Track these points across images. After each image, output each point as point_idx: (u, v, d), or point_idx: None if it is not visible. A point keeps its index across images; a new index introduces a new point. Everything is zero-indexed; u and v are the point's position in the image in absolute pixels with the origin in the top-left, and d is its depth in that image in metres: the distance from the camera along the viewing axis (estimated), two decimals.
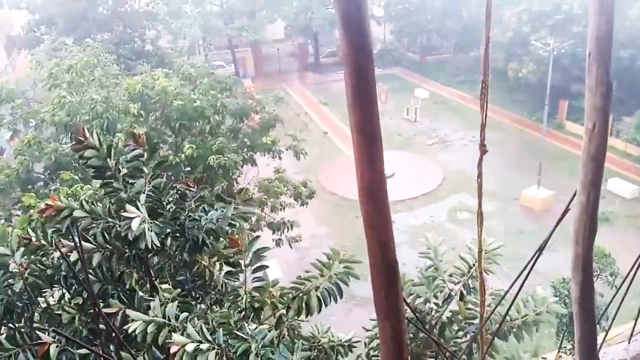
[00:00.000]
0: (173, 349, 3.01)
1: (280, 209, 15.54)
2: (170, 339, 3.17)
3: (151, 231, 3.48)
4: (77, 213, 3.62)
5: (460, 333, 4.82)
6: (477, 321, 4.86)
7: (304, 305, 3.52)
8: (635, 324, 2.16)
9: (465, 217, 26.37)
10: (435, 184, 30.00)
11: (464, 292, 4.76)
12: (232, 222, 3.91)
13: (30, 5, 34.57)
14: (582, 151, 1.50)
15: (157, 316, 3.41)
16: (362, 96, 1.15)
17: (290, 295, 3.64)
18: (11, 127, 14.34)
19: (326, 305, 3.65)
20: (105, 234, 3.72)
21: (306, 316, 3.60)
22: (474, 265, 4.77)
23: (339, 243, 23.87)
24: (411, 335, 4.83)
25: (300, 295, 3.60)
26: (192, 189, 4.07)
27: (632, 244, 20.16)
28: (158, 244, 3.54)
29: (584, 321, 1.63)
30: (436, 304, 5.00)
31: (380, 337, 1.39)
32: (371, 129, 1.18)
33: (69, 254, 3.67)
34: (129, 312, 3.46)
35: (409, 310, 4.33)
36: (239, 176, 14.95)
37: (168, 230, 3.79)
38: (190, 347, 3.00)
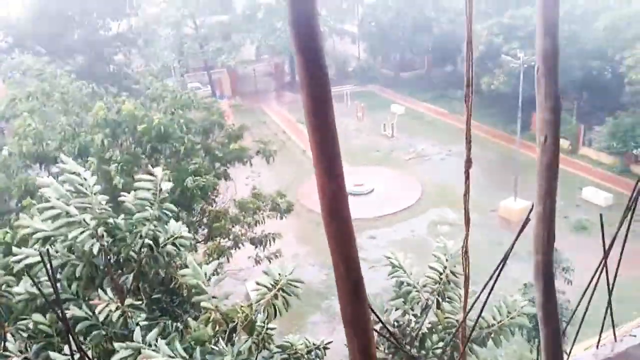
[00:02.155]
0: None
1: (260, 223, 15.35)
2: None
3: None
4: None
5: (441, 343, 4.88)
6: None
7: (272, 308, 3.77)
8: (602, 329, 2.23)
9: (445, 230, 26.56)
10: (415, 199, 30.21)
11: (440, 300, 4.84)
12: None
13: (3, 28, 34.27)
14: (536, 163, 1.57)
15: (135, 340, 3.46)
16: (320, 119, 1.20)
17: (257, 303, 3.85)
18: None
19: (287, 308, 4.08)
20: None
21: (275, 317, 3.82)
22: (443, 271, 4.90)
23: (321, 261, 23.82)
24: (393, 350, 4.87)
25: (268, 300, 3.85)
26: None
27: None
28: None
29: (548, 325, 1.69)
30: (414, 315, 5.07)
31: (349, 349, 1.42)
32: (331, 149, 1.23)
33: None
34: (116, 344, 3.58)
35: (386, 324, 4.38)
36: (216, 196, 14.87)
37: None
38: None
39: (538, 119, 1.50)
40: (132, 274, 4.71)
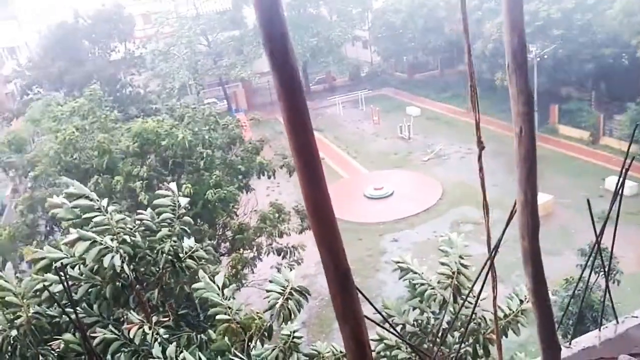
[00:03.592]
0: None
1: (285, 235, 15.56)
2: None
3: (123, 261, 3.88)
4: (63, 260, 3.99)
5: (471, 339, 4.93)
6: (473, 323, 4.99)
7: (287, 311, 3.80)
8: (602, 312, 2.28)
9: (468, 229, 26.33)
10: (436, 199, 30.08)
11: (456, 294, 4.88)
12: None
13: (17, 70, 35.44)
14: (514, 154, 1.65)
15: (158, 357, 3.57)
16: (297, 126, 1.30)
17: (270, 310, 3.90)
18: (15, 174, 14.58)
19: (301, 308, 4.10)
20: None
21: (289, 319, 3.85)
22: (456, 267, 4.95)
23: None
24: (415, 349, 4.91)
25: (280, 305, 3.88)
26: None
27: (635, 240, 20.24)
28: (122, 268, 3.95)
29: (541, 309, 1.75)
30: (433, 312, 5.12)
31: (343, 339, 1.51)
32: (310, 154, 1.33)
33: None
34: None
35: (392, 323, 4.45)
36: (238, 208, 15.08)
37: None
38: None
39: (513, 112, 1.59)
40: (156, 290, 4.82)
